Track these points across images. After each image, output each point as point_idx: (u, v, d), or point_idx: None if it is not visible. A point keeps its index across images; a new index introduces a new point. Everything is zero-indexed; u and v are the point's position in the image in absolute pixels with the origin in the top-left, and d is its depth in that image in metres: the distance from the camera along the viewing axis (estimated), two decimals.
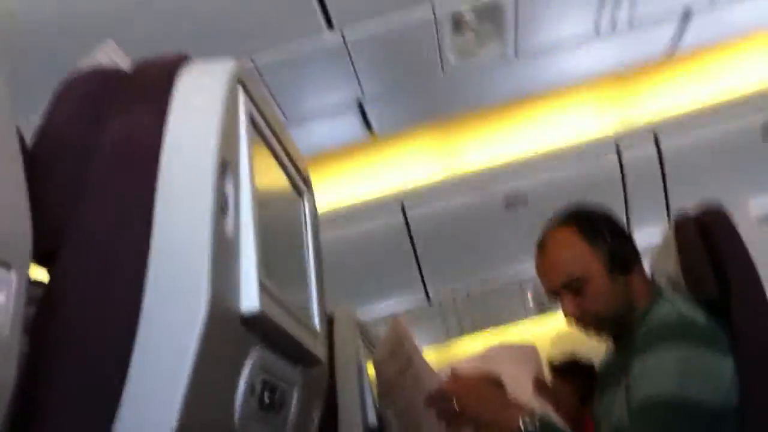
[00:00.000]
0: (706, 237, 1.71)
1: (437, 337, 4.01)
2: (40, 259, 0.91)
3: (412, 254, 3.47)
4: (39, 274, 0.93)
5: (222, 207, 0.97)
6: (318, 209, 1.49)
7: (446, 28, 2.65)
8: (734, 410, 1.53)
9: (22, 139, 0.96)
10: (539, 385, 1.69)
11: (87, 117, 1.02)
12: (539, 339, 4.10)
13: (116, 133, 1.00)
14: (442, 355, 4.06)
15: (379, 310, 3.54)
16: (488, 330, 4.05)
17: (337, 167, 3.43)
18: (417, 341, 1.75)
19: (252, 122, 1.11)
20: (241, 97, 1.08)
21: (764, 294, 1.61)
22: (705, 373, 1.52)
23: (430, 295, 3.72)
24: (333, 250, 3.10)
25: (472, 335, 4.09)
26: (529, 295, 3.84)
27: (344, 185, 3.45)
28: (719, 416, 1.52)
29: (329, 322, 1.87)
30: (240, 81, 1.08)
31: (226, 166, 0.99)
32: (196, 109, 1.00)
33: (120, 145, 0.99)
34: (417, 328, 1.71)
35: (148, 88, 1.04)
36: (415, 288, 3.63)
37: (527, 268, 3.34)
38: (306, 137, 2.89)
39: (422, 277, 3.56)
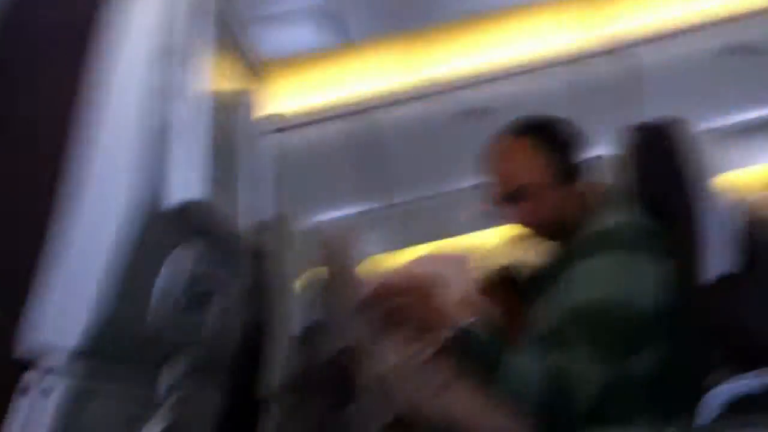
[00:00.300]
0: (656, 145, 1.73)
1: (386, 245, 4.02)
2: None
3: (373, 161, 3.47)
4: None
5: (161, 92, 0.95)
6: (286, 110, 1.44)
7: None
8: (662, 315, 1.57)
9: None
10: (468, 294, 1.72)
11: None
12: (477, 251, 4.12)
13: (53, 12, 0.98)
14: (387, 263, 4.09)
15: (337, 214, 3.55)
16: (434, 240, 4.07)
17: (303, 74, 3.38)
18: (364, 249, 1.76)
19: (197, 10, 1.08)
20: None
21: (702, 201, 1.63)
22: (633, 277, 1.55)
23: (386, 200, 3.73)
24: (294, 154, 3.12)
25: (419, 246, 4.11)
26: (473, 208, 3.83)
27: (309, 92, 3.41)
28: (646, 319, 1.55)
29: (265, 224, 1.88)
30: None
31: (169, 49, 0.97)
32: None
33: (56, 25, 0.97)
34: (368, 234, 1.72)
35: None
36: (372, 195, 3.64)
37: (476, 180, 3.37)
38: (270, 39, 2.83)
39: (378, 184, 3.57)
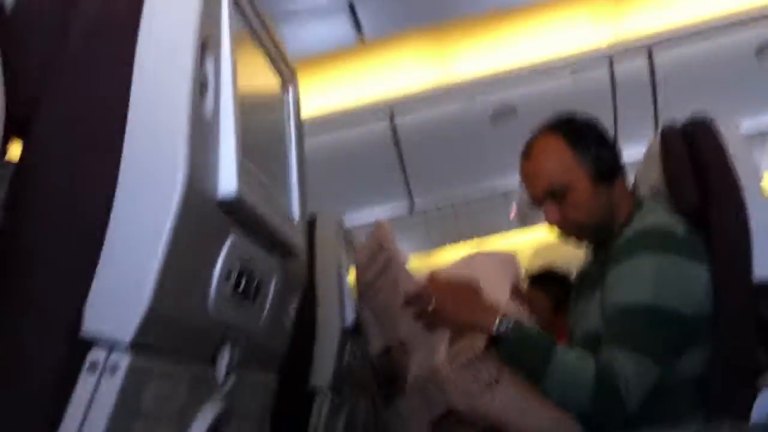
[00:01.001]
0: (691, 146, 1.70)
1: (421, 246, 4.03)
2: (14, 129, 0.88)
3: (399, 162, 3.45)
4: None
5: (202, 86, 0.94)
6: (304, 112, 1.46)
7: None
8: (707, 318, 1.56)
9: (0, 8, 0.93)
10: (516, 291, 1.70)
11: None
12: (521, 251, 4.15)
13: (93, 6, 0.97)
14: (425, 264, 4.09)
15: (364, 217, 3.53)
16: (472, 241, 4.07)
17: (326, 71, 3.35)
18: (401, 248, 1.74)
19: (235, 3, 1.07)
20: None
21: (744, 206, 1.61)
22: (680, 281, 1.54)
23: (415, 203, 3.72)
24: (319, 155, 3.11)
25: (456, 245, 4.11)
26: (513, 208, 3.85)
27: (332, 90, 3.38)
28: (693, 323, 1.54)
29: (312, 222, 1.87)
30: None
31: (207, 45, 0.96)
32: None
33: (96, 20, 0.96)
34: (401, 236, 1.71)
35: None
36: (400, 196, 3.62)
37: (513, 180, 3.35)
38: (293, 38, 2.81)
39: (408, 185, 3.55)
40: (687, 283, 1.55)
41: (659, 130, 1.82)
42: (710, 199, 1.63)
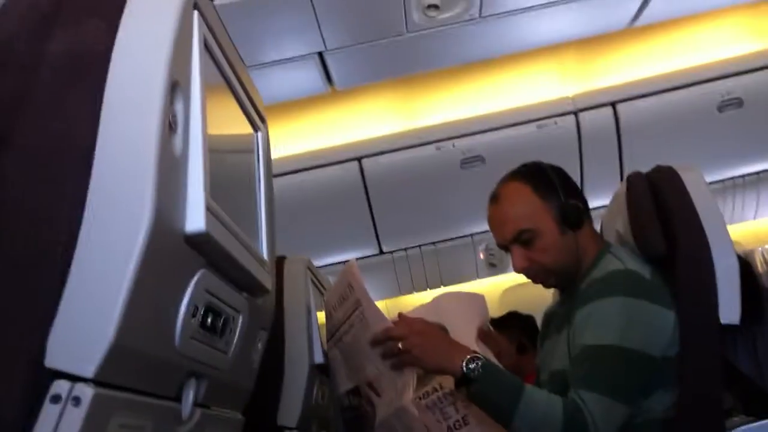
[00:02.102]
0: (656, 193, 1.74)
1: (388, 291, 4.03)
2: None
3: (367, 207, 3.47)
4: None
5: (170, 125, 0.96)
6: (275, 156, 1.48)
7: None
8: (674, 360, 1.58)
9: None
10: (483, 332, 1.71)
11: (35, 27, 0.99)
12: (488, 298, 4.15)
13: (64, 44, 0.98)
14: (392, 308, 4.10)
15: (332, 260, 3.55)
16: (440, 286, 4.08)
17: (296, 118, 3.40)
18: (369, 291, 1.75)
19: (206, 46, 1.10)
20: (196, 20, 1.06)
21: (709, 251, 1.64)
22: (646, 323, 1.56)
23: (383, 248, 3.73)
24: (287, 199, 3.13)
25: (424, 290, 4.12)
26: (481, 254, 3.88)
27: (302, 136, 3.43)
28: (659, 365, 1.56)
29: (280, 262, 1.88)
30: (195, 3, 1.06)
31: (176, 86, 0.98)
32: (148, 25, 0.98)
33: (67, 57, 0.97)
34: (368, 280, 1.71)
35: (99, 2, 1.02)
36: (368, 240, 3.64)
37: (481, 227, 3.38)
38: (265, 85, 2.85)
39: (375, 230, 3.58)
40: (653, 325, 1.57)
41: (625, 177, 1.87)
42: (675, 244, 1.67)
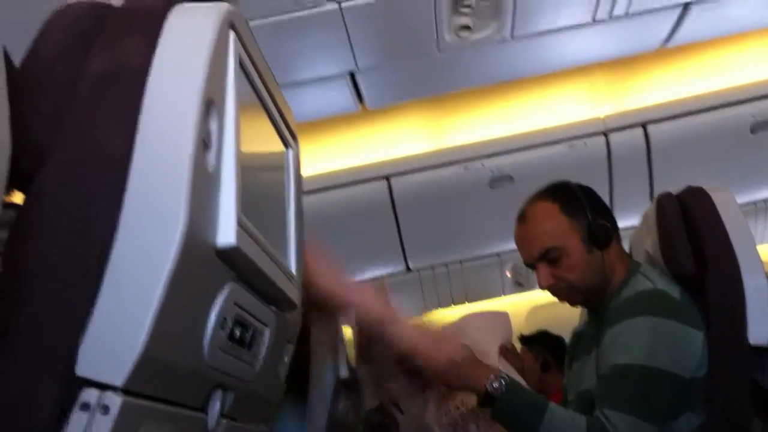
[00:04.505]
0: (687, 214, 1.74)
1: (415, 309, 4.05)
2: (19, 182, 0.92)
3: (395, 225, 3.49)
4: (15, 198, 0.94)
5: (205, 142, 0.98)
6: (305, 173, 1.50)
7: (444, 4, 2.65)
8: (703, 381, 1.57)
9: (9, 61, 0.98)
10: (505, 350, 1.72)
11: (75, 46, 1.02)
12: (515, 315, 4.15)
13: (102, 63, 1.01)
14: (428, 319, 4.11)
15: (359, 277, 3.56)
16: (465, 304, 4.09)
17: (326, 137, 3.43)
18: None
19: (241, 65, 1.12)
20: (232, 39, 1.09)
21: (739, 272, 1.64)
22: (675, 344, 1.56)
23: (410, 266, 3.74)
24: (316, 216, 3.15)
25: (449, 308, 4.12)
26: (508, 273, 3.88)
27: (332, 155, 3.45)
28: (688, 386, 1.55)
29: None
30: (231, 23, 1.09)
31: (211, 104, 1.00)
32: (186, 44, 1.01)
33: (105, 76, 1.00)
34: (395, 297, 1.73)
35: (138, 22, 1.05)
36: (395, 258, 3.66)
37: (507, 246, 3.37)
38: (297, 104, 2.88)
39: (403, 247, 3.59)
40: (682, 346, 1.57)
41: (655, 198, 1.87)
42: (705, 265, 1.66)
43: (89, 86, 1.00)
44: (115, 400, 0.82)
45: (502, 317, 1.78)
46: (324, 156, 3.43)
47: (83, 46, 1.03)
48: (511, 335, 1.81)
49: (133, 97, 0.97)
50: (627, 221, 2.54)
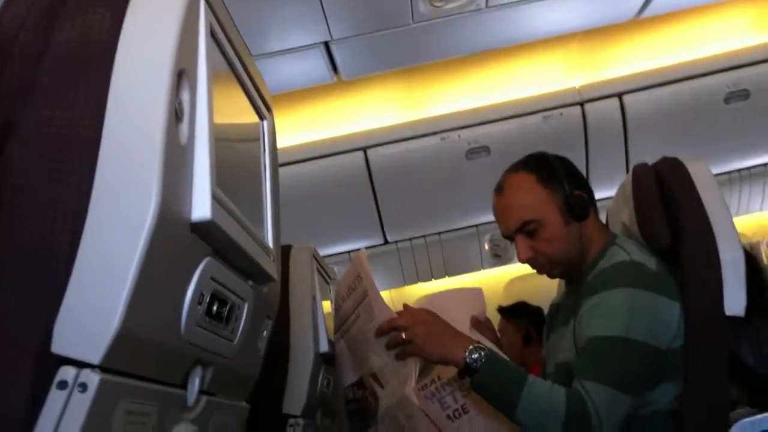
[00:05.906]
0: (662, 184, 1.74)
1: (393, 281, 4.05)
2: None
3: (372, 197, 3.48)
4: None
5: (177, 114, 0.96)
6: (281, 145, 1.48)
7: None
8: (680, 352, 1.58)
9: None
10: (477, 322, 1.72)
11: (40, 16, 1.00)
12: (493, 287, 4.18)
13: (70, 34, 0.98)
14: (396, 298, 4.12)
15: (336, 250, 3.56)
16: (444, 276, 4.10)
17: (301, 108, 3.40)
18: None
19: (212, 34, 1.10)
20: (203, 7, 1.06)
21: (715, 243, 1.64)
22: (652, 315, 1.56)
23: (388, 238, 3.74)
24: (293, 188, 3.14)
25: (428, 281, 4.13)
26: (486, 245, 3.89)
27: (307, 127, 3.43)
28: (665, 356, 1.56)
29: (286, 251, 1.88)
30: None
31: (183, 74, 0.98)
32: (154, 14, 0.98)
33: (73, 46, 0.97)
34: (373, 270, 1.72)
35: None
36: (373, 230, 3.66)
37: (485, 218, 3.38)
38: (271, 75, 2.85)
39: (380, 219, 3.59)
40: (659, 317, 1.57)
41: (631, 169, 1.87)
42: (681, 236, 1.67)
43: (56, 58, 0.97)
44: (92, 378, 0.81)
45: (474, 293, 1.77)
46: (300, 127, 3.40)
47: (48, 15, 1.00)
48: (484, 309, 1.80)
49: (102, 69, 0.95)
50: (603, 192, 2.56)
